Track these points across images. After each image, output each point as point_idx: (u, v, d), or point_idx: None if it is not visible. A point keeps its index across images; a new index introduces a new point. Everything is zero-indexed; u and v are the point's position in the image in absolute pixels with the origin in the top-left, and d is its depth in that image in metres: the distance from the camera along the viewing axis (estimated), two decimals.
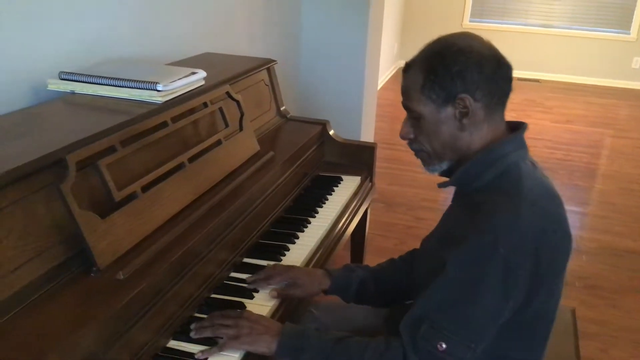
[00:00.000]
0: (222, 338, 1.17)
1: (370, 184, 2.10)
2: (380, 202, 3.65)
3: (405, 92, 1.17)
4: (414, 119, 1.17)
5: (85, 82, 1.50)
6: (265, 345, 1.15)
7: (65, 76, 1.51)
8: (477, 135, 1.13)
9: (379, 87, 4.90)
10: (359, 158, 2.10)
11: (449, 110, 1.12)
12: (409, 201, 3.64)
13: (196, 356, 1.15)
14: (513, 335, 1.12)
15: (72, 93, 1.50)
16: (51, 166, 1.10)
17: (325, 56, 3.41)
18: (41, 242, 1.07)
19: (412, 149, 1.22)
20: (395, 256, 1.46)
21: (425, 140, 1.17)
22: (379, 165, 4.29)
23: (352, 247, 2.30)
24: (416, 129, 1.17)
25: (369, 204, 2.14)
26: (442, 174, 1.24)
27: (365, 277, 1.40)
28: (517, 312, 1.07)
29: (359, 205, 1.94)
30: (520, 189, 1.06)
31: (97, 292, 1.09)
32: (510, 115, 1.17)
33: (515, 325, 1.10)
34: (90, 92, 1.49)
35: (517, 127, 1.18)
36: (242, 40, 2.66)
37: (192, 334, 1.19)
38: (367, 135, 3.71)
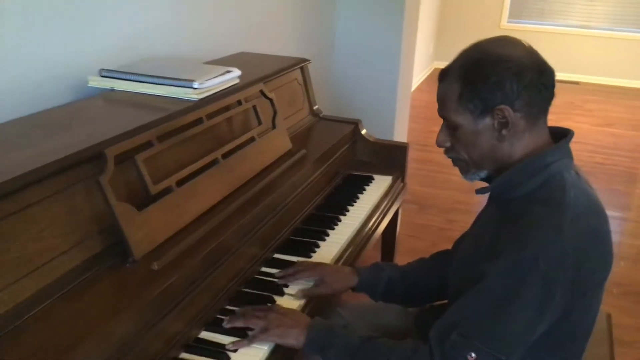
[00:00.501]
0: (252, 330, 1.20)
1: (402, 184, 2.10)
2: (412, 204, 3.63)
3: (441, 101, 1.15)
4: (450, 128, 1.15)
5: (125, 80, 1.55)
6: (294, 338, 1.17)
7: (105, 73, 1.56)
8: (518, 145, 1.10)
9: (413, 88, 4.88)
10: (391, 158, 2.10)
11: (487, 121, 1.09)
12: (442, 203, 3.61)
13: (227, 347, 1.18)
14: (548, 346, 1.10)
15: (112, 90, 1.55)
16: (91, 159, 1.14)
17: (360, 56, 3.42)
18: (80, 232, 1.11)
19: (449, 157, 1.20)
20: None
21: (463, 150, 1.15)
22: (412, 167, 4.28)
23: (382, 247, 2.30)
24: (453, 138, 1.15)
25: (400, 204, 2.14)
26: (482, 179, 1.22)
27: (393, 276, 1.40)
28: (554, 325, 1.05)
29: (390, 205, 1.95)
30: (563, 202, 1.03)
31: (133, 282, 1.12)
32: (549, 118, 1.14)
33: (551, 337, 1.08)
34: (129, 89, 1.54)
35: (561, 134, 1.14)
36: (278, 40, 2.69)
37: (224, 324, 1.22)
38: (400, 136, 3.70)
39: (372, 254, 2.45)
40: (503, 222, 1.09)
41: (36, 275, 1.01)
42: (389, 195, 1.98)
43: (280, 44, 2.71)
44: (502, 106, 1.06)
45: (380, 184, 1.99)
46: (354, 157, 2.12)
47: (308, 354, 1.18)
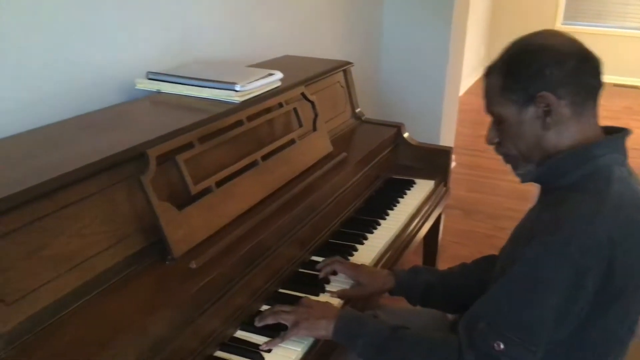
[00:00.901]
0: (285, 327, 1.21)
1: (445, 188, 2.07)
2: (457, 209, 3.57)
3: (487, 96, 1.15)
4: (497, 123, 1.15)
5: (171, 82, 1.59)
6: (323, 328, 1.18)
7: (152, 76, 1.61)
8: (565, 135, 1.08)
9: (462, 92, 4.79)
10: (434, 162, 2.07)
11: (530, 111, 1.08)
12: (490, 209, 3.53)
13: (261, 347, 1.19)
14: (579, 356, 1.07)
15: (158, 92, 1.60)
16: (133, 160, 1.18)
17: (406, 59, 3.40)
18: (122, 230, 1.15)
19: (499, 154, 1.19)
20: None
21: (510, 143, 1.14)
22: (459, 172, 4.22)
23: (424, 253, 2.27)
24: (500, 133, 1.15)
25: (443, 209, 2.11)
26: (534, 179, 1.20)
27: (432, 280, 1.38)
28: (584, 328, 1.02)
29: (432, 210, 1.92)
30: (607, 192, 1.00)
31: (171, 280, 1.15)
32: (605, 123, 1.12)
33: (583, 344, 1.05)
34: (175, 92, 1.58)
35: (616, 132, 1.11)
36: (323, 43, 2.70)
37: (256, 323, 1.24)
38: (446, 140, 3.65)
39: (413, 259, 2.43)
40: (543, 211, 1.07)
41: (77, 271, 1.05)
42: (431, 199, 1.95)
43: (325, 46, 2.72)
44: (544, 93, 1.05)
45: (421, 188, 1.96)
46: (396, 160, 2.10)
47: (339, 342, 1.19)
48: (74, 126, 1.34)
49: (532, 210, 1.17)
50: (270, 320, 1.22)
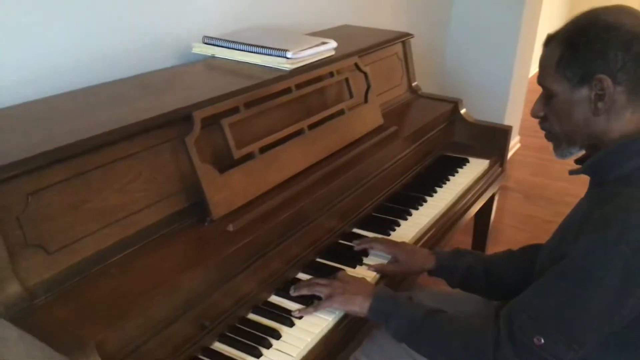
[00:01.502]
0: (319, 299, 1.22)
1: (500, 169, 2.00)
2: (518, 192, 3.46)
3: (541, 67, 1.09)
4: (546, 97, 1.09)
5: (225, 47, 1.60)
6: (358, 305, 1.17)
7: (207, 40, 1.63)
8: (617, 123, 1.02)
9: (532, 72, 4.58)
10: (491, 141, 2.00)
11: (584, 92, 1.02)
12: (552, 194, 3.40)
13: (293, 313, 1.20)
14: (625, 354, 1.02)
15: (213, 57, 1.62)
16: (179, 121, 1.20)
17: (475, 35, 3.28)
18: (165, 189, 1.18)
19: (542, 129, 1.13)
20: None
21: (556, 121, 1.08)
22: (523, 154, 4.07)
23: (474, 233, 2.21)
24: (547, 108, 1.09)
25: (497, 190, 2.04)
26: (578, 161, 1.14)
27: (474, 264, 1.34)
28: (629, 328, 0.97)
29: (484, 190, 1.86)
30: None
31: (208, 240, 1.18)
32: None
33: (630, 342, 0.99)
34: (228, 57, 1.60)
35: None
36: (388, 14, 2.65)
37: (291, 292, 1.25)
38: (511, 120, 3.52)
39: (462, 239, 2.37)
40: (593, 206, 1.01)
41: (119, 226, 1.09)
42: (483, 179, 1.89)
43: (390, 17, 2.66)
44: (602, 76, 0.99)
45: (474, 168, 1.90)
46: (451, 137, 2.05)
47: (372, 320, 1.18)
48: (129, 86, 1.38)
49: (581, 203, 1.11)
50: (305, 292, 1.23)
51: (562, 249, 1.01)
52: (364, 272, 1.35)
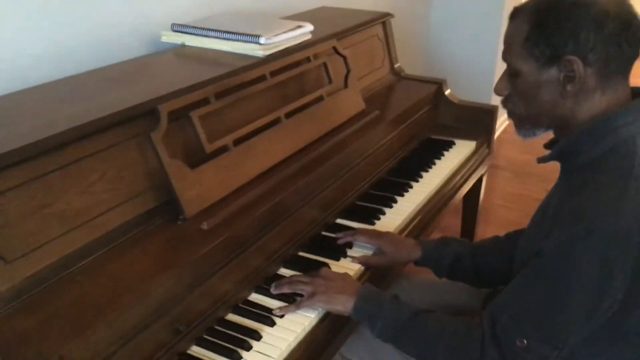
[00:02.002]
0: (301, 296, 1.17)
1: (488, 150, 1.95)
2: (508, 171, 3.42)
3: (507, 42, 1.02)
4: (511, 75, 1.02)
5: (195, 35, 1.53)
6: (341, 304, 1.12)
7: (177, 28, 1.55)
8: (585, 105, 0.97)
9: None
10: (476, 121, 1.95)
11: (552, 72, 0.96)
12: (543, 172, 3.30)
13: (274, 311, 1.15)
14: (614, 348, 0.98)
15: (183, 45, 1.55)
16: (145, 115, 1.14)
17: (458, 13, 3.21)
18: (132, 188, 1.12)
19: (506, 108, 1.08)
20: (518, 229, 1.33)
21: (521, 101, 1.03)
22: (512, 131, 4.01)
23: (463, 215, 2.17)
24: (512, 87, 1.03)
25: (485, 172, 2.00)
26: (547, 146, 1.09)
27: (461, 252, 1.30)
28: (615, 321, 0.93)
29: (471, 173, 1.81)
30: (630, 170, 0.90)
31: (181, 240, 1.12)
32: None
33: (620, 334, 0.96)
34: (198, 45, 1.52)
35: None
36: None
37: (271, 290, 1.20)
38: (498, 99, 3.45)
39: (452, 222, 2.33)
40: (566, 194, 0.97)
41: (84, 229, 1.03)
42: (470, 162, 1.84)
43: None
44: (572, 57, 0.93)
45: (461, 150, 1.85)
46: (436, 119, 1.99)
47: (356, 320, 1.14)
48: (94, 79, 1.31)
49: (553, 191, 1.06)
50: (286, 289, 1.18)
51: (537, 242, 0.97)
52: (349, 265, 1.30)
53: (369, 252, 1.34)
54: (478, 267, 1.29)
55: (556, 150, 1.03)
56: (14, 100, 1.18)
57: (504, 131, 3.94)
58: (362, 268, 1.30)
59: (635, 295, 0.91)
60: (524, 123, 1.06)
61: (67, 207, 1.01)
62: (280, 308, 1.16)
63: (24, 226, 0.95)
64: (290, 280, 1.19)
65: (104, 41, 1.44)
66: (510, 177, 3.37)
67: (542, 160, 1.07)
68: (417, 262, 1.33)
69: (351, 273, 1.26)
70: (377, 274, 1.32)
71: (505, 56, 1.03)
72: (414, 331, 1.06)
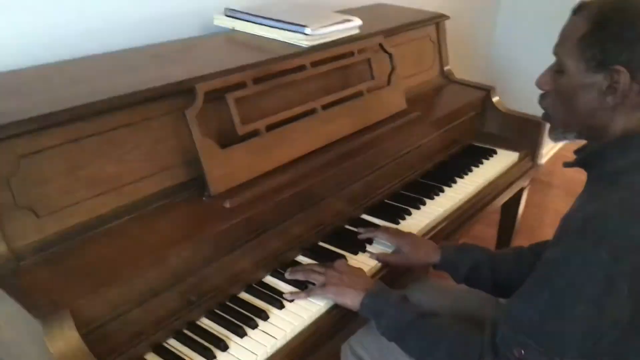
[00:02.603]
0: (313, 285, 1.19)
1: (531, 163, 1.90)
2: (560, 190, 3.32)
3: (562, 36, 1.00)
4: (557, 71, 1.00)
5: (245, 21, 1.57)
6: (350, 299, 1.13)
7: (229, 13, 1.60)
8: (621, 121, 0.94)
9: None
10: (523, 132, 1.89)
11: (597, 78, 0.93)
12: None
13: (285, 295, 1.18)
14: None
15: (233, 30, 1.59)
16: (183, 93, 1.18)
17: (526, 17, 3.11)
18: (164, 161, 1.17)
19: (541, 106, 1.06)
20: None
21: (558, 100, 1.01)
22: (571, 148, 3.87)
23: (499, 228, 2.12)
24: (555, 84, 1.01)
25: (527, 185, 1.95)
26: (576, 152, 1.06)
27: (480, 260, 1.28)
28: (622, 343, 0.90)
29: (509, 185, 1.77)
30: None
31: (204, 215, 1.16)
32: None
33: (627, 353, 0.92)
34: (247, 31, 1.57)
35: None
36: None
37: (286, 275, 1.23)
38: None
39: (488, 233, 2.28)
40: (584, 203, 0.94)
41: (113, 195, 1.09)
42: (510, 173, 1.80)
43: None
44: (621, 68, 0.90)
45: (502, 160, 1.82)
46: (481, 127, 1.95)
47: (363, 316, 1.15)
48: (140, 55, 1.38)
49: (577, 201, 1.03)
50: (300, 277, 1.21)
51: (551, 250, 0.95)
52: (365, 261, 1.31)
53: (389, 250, 1.35)
54: (496, 276, 1.28)
55: (582, 155, 1.01)
56: (63, 69, 1.26)
57: (563, 148, 3.81)
58: (378, 265, 1.31)
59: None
60: (557, 126, 1.04)
61: (100, 171, 1.07)
62: (291, 293, 1.18)
63: (58, 185, 1.01)
64: (305, 268, 1.22)
65: (157, 20, 1.50)
66: (562, 195, 3.26)
67: (568, 164, 1.05)
68: (435, 266, 1.33)
69: (367, 269, 1.28)
70: (395, 273, 1.33)
71: (557, 49, 1.00)
72: (417, 332, 1.07)
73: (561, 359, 0.90)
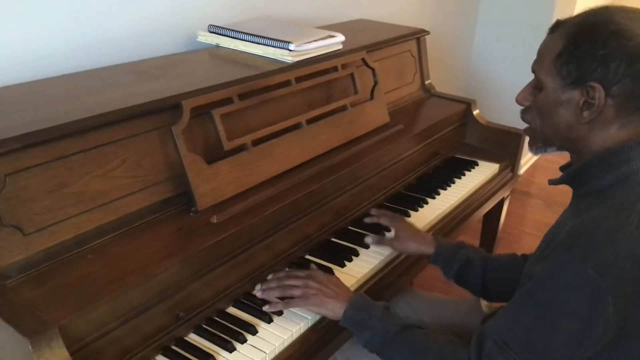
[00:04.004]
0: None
1: (511, 174, 1.93)
2: (539, 200, 3.37)
3: (539, 54, 1.03)
4: (535, 87, 1.03)
5: (229, 37, 1.59)
6: (331, 310, 1.13)
7: (213, 29, 1.61)
8: (599, 135, 0.97)
9: None
10: (503, 144, 1.93)
11: (574, 94, 0.96)
12: None
13: (264, 308, 1.17)
14: None
15: (217, 46, 1.61)
16: (169, 109, 1.19)
17: (502, 35, 3.19)
18: (150, 177, 1.17)
19: (523, 120, 1.09)
20: None
21: (538, 115, 1.04)
22: (549, 159, 3.95)
23: (481, 238, 2.15)
24: (534, 99, 1.04)
25: (508, 196, 1.98)
26: (562, 168, 1.09)
27: (473, 258, 1.31)
28: (608, 354, 0.91)
29: (490, 195, 1.80)
30: (635, 204, 0.89)
31: (191, 231, 1.16)
32: None
33: None
34: (231, 47, 1.58)
35: None
36: (411, 9, 2.58)
37: (258, 294, 1.20)
38: None
39: (470, 242, 2.31)
40: (570, 219, 0.96)
41: (100, 212, 1.09)
42: (491, 184, 1.83)
43: (414, 13, 2.60)
44: (596, 84, 0.93)
45: (483, 171, 1.85)
46: (462, 139, 1.99)
47: (345, 328, 1.14)
48: (124, 71, 1.38)
49: (562, 216, 1.06)
50: (275, 294, 1.17)
51: (534, 265, 0.97)
52: (352, 273, 1.32)
53: (380, 258, 1.37)
54: (486, 278, 1.30)
55: (567, 174, 1.03)
56: (47, 86, 1.26)
57: (541, 158, 3.88)
58: (368, 276, 1.33)
59: (627, 330, 0.90)
60: (537, 140, 1.07)
61: (86, 188, 1.07)
62: (269, 305, 1.17)
63: (44, 202, 1.01)
64: (281, 283, 1.19)
65: (141, 36, 1.51)
66: (541, 205, 3.32)
67: (553, 182, 1.08)
68: (429, 259, 1.36)
69: (354, 280, 1.29)
70: (379, 287, 1.34)
71: (535, 67, 1.03)
72: (401, 345, 1.06)
73: None
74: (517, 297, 0.97)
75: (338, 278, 1.22)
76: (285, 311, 1.18)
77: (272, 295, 1.18)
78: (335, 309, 1.12)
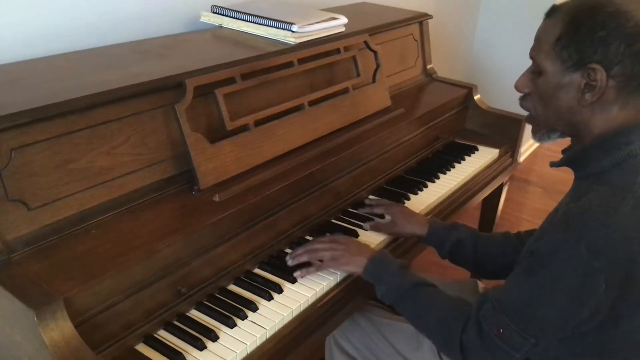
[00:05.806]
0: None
1: (511, 159, 1.95)
2: (538, 187, 3.39)
3: (537, 39, 1.03)
4: (535, 72, 1.04)
5: (232, 17, 1.59)
6: (356, 265, 1.21)
7: (216, 10, 1.61)
8: (601, 117, 0.98)
9: None
10: (503, 130, 1.94)
11: (574, 77, 0.97)
12: None
13: (295, 274, 1.22)
14: (594, 359, 1.00)
15: (220, 27, 1.61)
16: (172, 88, 1.20)
17: (505, 19, 3.17)
18: (154, 155, 1.19)
19: (523, 108, 1.10)
20: None
21: (538, 102, 1.04)
22: (549, 147, 3.96)
23: (480, 223, 2.17)
24: (534, 85, 1.05)
25: (507, 181, 2.00)
26: (563, 151, 1.10)
27: (465, 238, 1.34)
28: (602, 330, 0.95)
29: (489, 180, 1.81)
30: (630, 185, 0.91)
31: (193, 209, 1.18)
32: None
33: (602, 346, 0.98)
34: (234, 27, 1.58)
35: None
36: None
37: (288, 262, 1.25)
38: None
39: None
40: (569, 201, 0.98)
41: (104, 188, 1.10)
42: (491, 169, 1.84)
43: None
44: (597, 66, 0.93)
45: (483, 156, 1.86)
46: (463, 124, 2.00)
47: (366, 280, 1.21)
48: (128, 50, 1.38)
49: (565, 197, 1.08)
50: (305, 258, 1.24)
51: (534, 242, 0.99)
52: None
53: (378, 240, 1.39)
54: (478, 256, 1.34)
55: (567, 156, 1.04)
56: (52, 63, 1.27)
57: (541, 146, 3.89)
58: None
59: (620, 309, 0.92)
60: (540, 127, 1.08)
61: (90, 165, 1.08)
62: (301, 271, 1.22)
63: (49, 178, 1.02)
64: (307, 249, 1.26)
65: (145, 16, 1.50)
66: (540, 192, 3.34)
67: (554, 164, 1.09)
68: (423, 240, 1.39)
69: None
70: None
71: (533, 53, 1.03)
72: (413, 299, 1.13)
73: (537, 340, 0.95)
74: (517, 271, 1.01)
75: (357, 240, 1.31)
76: (285, 290, 1.20)
77: (301, 261, 1.24)
78: (359, 263, 1.21)
